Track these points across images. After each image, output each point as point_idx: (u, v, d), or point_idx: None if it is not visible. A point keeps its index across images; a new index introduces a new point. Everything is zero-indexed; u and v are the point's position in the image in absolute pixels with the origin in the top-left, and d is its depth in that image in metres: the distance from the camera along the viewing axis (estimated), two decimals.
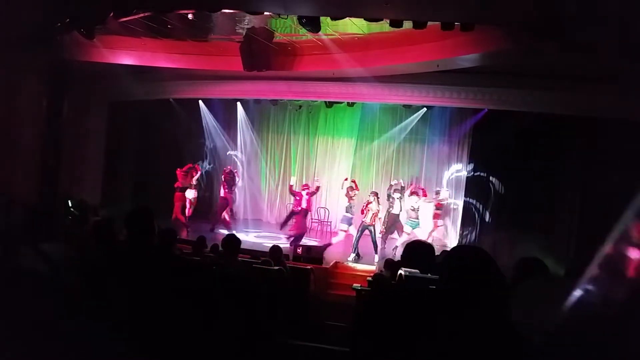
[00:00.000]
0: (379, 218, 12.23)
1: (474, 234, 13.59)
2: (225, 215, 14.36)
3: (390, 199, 12.67)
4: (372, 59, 10.68)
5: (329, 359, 4.30)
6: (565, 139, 11.63)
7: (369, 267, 11.22)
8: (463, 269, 2.03)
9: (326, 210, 15.41)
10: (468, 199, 13.97)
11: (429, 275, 3.29)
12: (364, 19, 8.74)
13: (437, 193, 13.59)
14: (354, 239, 11.94)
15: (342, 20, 9.03)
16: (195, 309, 3.37)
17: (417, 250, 3.41)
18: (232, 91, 13.85)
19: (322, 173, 15.97)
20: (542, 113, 11.40)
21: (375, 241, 11.87)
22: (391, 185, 13.10)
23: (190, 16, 9.80)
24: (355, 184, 12.92)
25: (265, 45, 10.84)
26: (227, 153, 16.64)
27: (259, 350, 3.77)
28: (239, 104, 15.94)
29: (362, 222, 11.94)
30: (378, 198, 12.11)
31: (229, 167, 14.94)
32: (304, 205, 12.73)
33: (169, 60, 11.91)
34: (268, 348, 3.92)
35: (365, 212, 11.94)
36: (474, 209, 13.79)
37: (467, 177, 14.11)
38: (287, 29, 10.91)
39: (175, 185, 14.14)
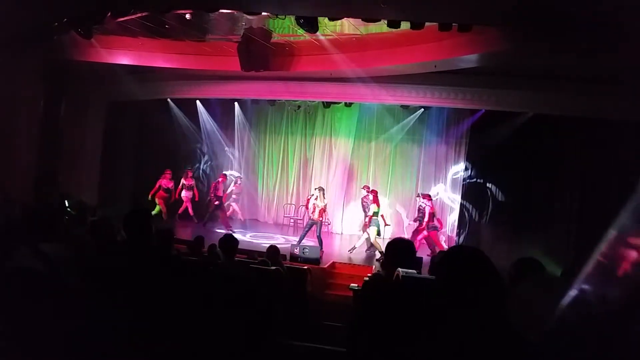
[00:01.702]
0: (325, 212, 12.49)
1: (470, 234, 13.60)
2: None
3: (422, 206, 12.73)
4: (370, 60, 10.69)
5: (326, 359, 4.29)
6: (563, 139, 11.65)
7: None
8: (460, 269, 2.03)
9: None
10: (465, 199, 13.98)
11: (427, 275, 3.29)
12: (362, 20, 8.75)
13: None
14: (301, 235, 12.14)
15: (340, 20, 9.04)
16: (193, 309, 3.37)
17: (398, 247, 3.43)
18: (230, 91, 13.83)
19: (319, 173, 15.98)
20: (539, 114, 11.44)
21: (320, 237, 11.98)
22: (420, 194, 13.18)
23: (187, 16, 9.80)
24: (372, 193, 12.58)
25: (263, 45, 10.84)
26: (225, 152, 16.67)
27: (256, 350, 3.77)
28: (236, 104, 15.95)
29: (310, 218, 12.15)
30: (323, 193, 12.30)
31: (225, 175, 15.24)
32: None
33: (167, 60, 11.91)
34: (265, 348, 3.92)
35: (311, 207, 12.14)
36: (471, 209, 13.81)
37: (464, 178, 14.13)
38: (285, 29, 10.92)
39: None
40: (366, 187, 12.93)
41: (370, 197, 12.26)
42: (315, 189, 12.57)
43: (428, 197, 12.81)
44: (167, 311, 3.11)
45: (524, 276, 3.37)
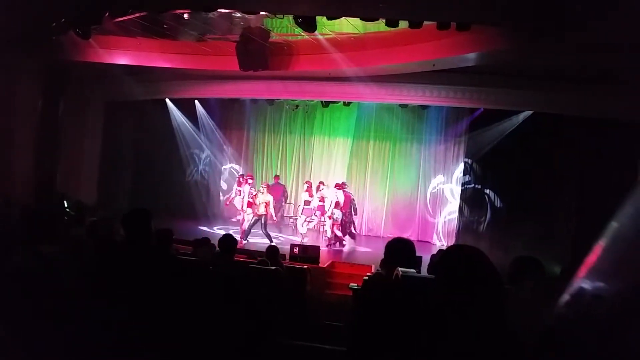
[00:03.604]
0: (272, 207, 12.75)
1: (468, 232, 13.61)
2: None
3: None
4: (368, 59, 10.69)
5: (325, 358, 4.30)
6: (561, 138, 11.64)
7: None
8: (459, 268, 2.03)
9: None
10: (463, 198, 13.99)
11: (426, 274, 3.29)
12: (360, 19, 8.74)
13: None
14: (247, 227, 12.50)
15: (338, 19, 9.04)
16: (192, 309, 3.37)
17: (398, 246, 3.43)
18: (228, 91, 13.83)
19: (318, 173, 15.98)
20: (538, 112, 11.44)
21: (267, 231, 12.32)
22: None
23: (186, 16, 9.79)
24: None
25: (262, 44, 10.83)
26: (223, 152, 16.70)
27: (255, 350, 3.77)
28: (235, 103, 15.94)
29: (255, 213, 12.45)
30: (267, 189, 12.71)
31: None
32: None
33: (165, 60, 11.90)
34: (265, 348, 3.92)
35: (256, 203, 12.48)
36: (470, 207, 13.82)
37: (463, 175, 14.13)
38: (283, 28, 10.90)
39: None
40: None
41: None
42: (262, 185, 13.08)
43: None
44: (166, 311, 3.11)
45: (523, 275, 3.37)
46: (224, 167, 16.92)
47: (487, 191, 13.46)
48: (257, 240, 12.53)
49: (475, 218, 13.65)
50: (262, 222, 12.29)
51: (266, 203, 12.31)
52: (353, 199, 13.30)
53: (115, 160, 14.92)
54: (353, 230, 13.45)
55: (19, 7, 8.31)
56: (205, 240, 8.54)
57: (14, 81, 11.19)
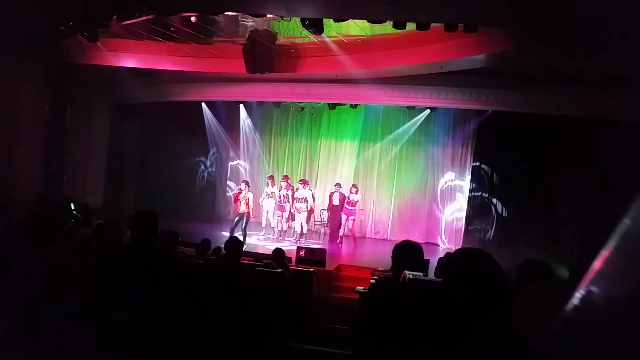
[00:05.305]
0: (251, 205, 13.00)
1: (477, 236, 13.54)
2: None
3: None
4: (375, 61, 10.67)
5: None
6: (570, 140, 11.55)
7: None
8: (466, 271, 2.01)
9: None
10: (471, 201, 13.91)
11: (434, 277, 3.26)
12: (367, 21, 8.73)
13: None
14: (231, 228, 12.67)
15: (345, 22, 9.03)
16: (198, 312, 3.36)
17: (405, 249, 3.40)
18: (235, 93, 13.86)
19: (325, 175, 15.95)
20: (546, 114, 11.36)
21: (245, 229, 12.56)
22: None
23: (193, 19, 9.81)
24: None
25: (268, 47, 10.84)
26: (229, 154, 16.74)
27: (261, 353, 3.75)
28: (241, 106, 15.98)
29: (237, 212, 12.78)
30: (248, 187, 12.93)
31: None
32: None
33: (172, 63, 11.93)
34: (270, 350, 3.90)
35: (238, 201, 12.74)
36: (476, 211, 13.74)
37: (471, 182, 14.05)
38: (290, 31, 10.90)
39: None
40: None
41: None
42: (242, 182, 13.29)
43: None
44: (171, 313, 3.09)
45: (532, 278, 3.33)
46: (230, 164, 16.95)
47: (494, 198, 13.36)
48: (263, 243, 12.55)
49: (482, 226, 13.56)
50: (244, 220, 12.49)
51: (246, 200, 12.55)
52: (331, 198, 13.97)
53: (122, 163, 14.97)
54: (341, 232, 13.82)
55: (26, 10, 8.35)
56: (205, 241, 8.55)
57: (21, 84, 11.25)
